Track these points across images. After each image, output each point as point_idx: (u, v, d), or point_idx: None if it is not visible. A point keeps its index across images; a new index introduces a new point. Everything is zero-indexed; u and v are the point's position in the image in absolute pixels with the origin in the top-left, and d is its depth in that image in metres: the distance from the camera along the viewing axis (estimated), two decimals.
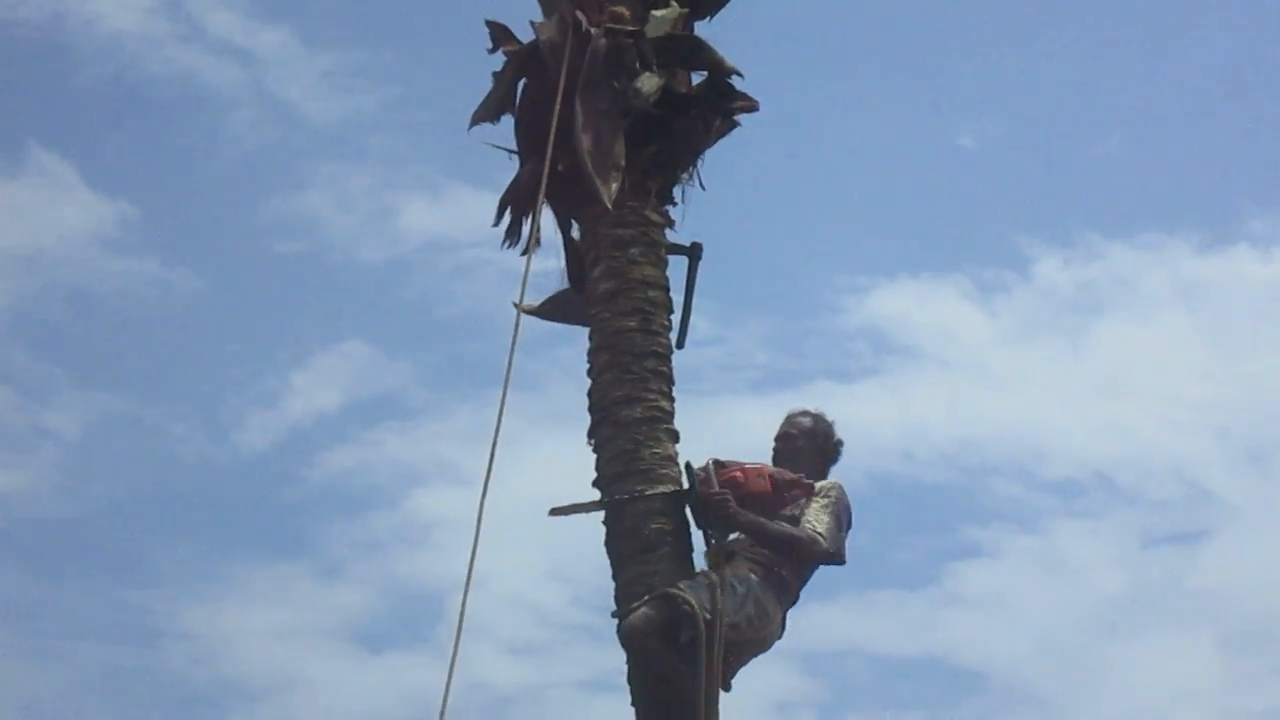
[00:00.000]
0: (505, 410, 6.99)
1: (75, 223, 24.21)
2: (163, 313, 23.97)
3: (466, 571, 6.74)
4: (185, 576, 21.85)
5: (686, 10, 7.91)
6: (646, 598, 6.87)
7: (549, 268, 7.85)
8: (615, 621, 6.97)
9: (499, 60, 8.02)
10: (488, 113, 7.97)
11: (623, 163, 7.53)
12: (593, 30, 7.69)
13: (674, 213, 7.77)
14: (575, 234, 7.85)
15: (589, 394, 7.45)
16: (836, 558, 7.19)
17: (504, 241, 7.88)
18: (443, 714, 6.53)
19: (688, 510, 7.17)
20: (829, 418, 7.66)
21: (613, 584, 7.14)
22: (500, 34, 8.03)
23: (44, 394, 23.11)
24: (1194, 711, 21.02)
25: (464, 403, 23.20)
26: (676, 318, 7.62)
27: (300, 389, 23.85)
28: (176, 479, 22.82)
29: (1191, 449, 23.62)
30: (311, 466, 23.54)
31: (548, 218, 7.78)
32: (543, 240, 7.68)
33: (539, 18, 7.91)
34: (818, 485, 7.32)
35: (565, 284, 7.91)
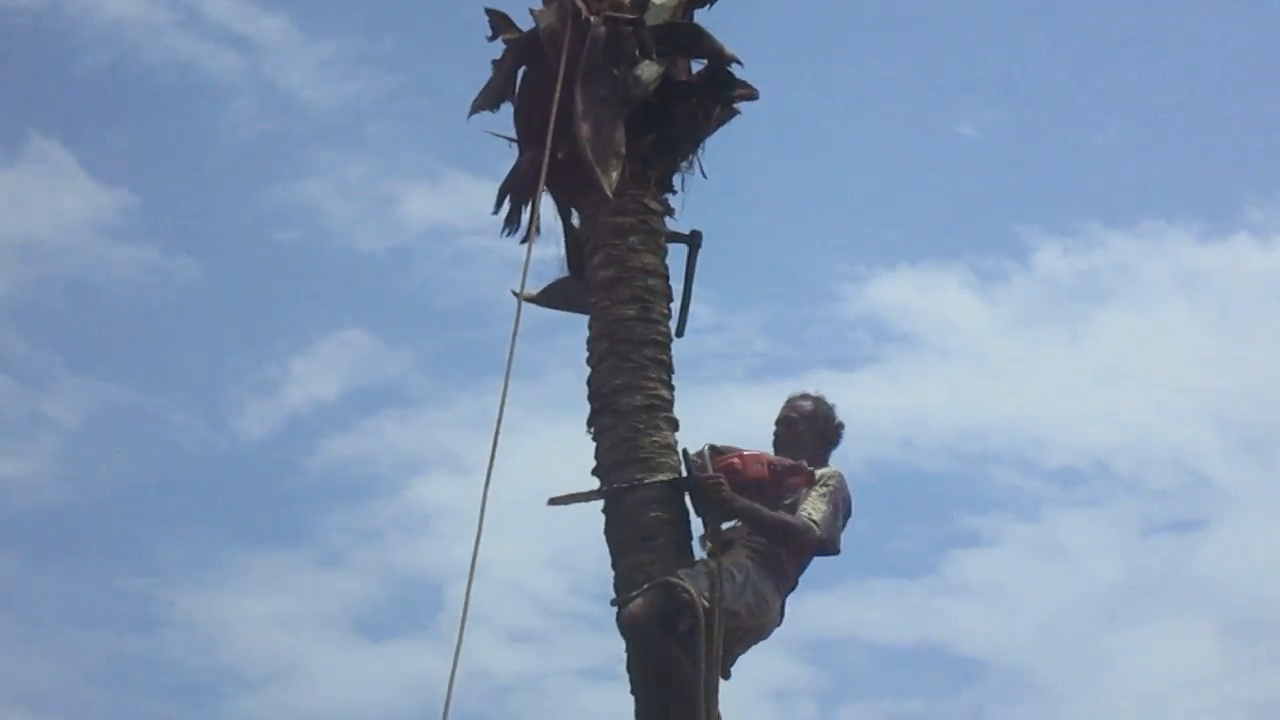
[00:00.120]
0: (507, 399, 6.99)
1: (74, 211, 24.22)
2: (162, 301, 23.98)
3: (469, 560, 6.74)
4: (185, 565, 21.89)
5: None
6: (646, 586, 6.87)
7: (548, 256, 7.86)
8: (615, 609, 6.97)
9: (499, 48, 8.03)
10: (487, 100, 7.97)
11: (622, 151, 7.53)
12: (592, 18, 7.68)
13: (674, 201, 7.78)
14: (575, 222, 7.85)
15: (588, 382, 7.45)
16: (829, 546, 7.17)
17: (503, 229, 7.88)
18: (447, 704, 6.54)
19: (687, 498, 7.18)
20: (830, 401, 7.64)
21: (612, 572, 7.14)
22: (500, 22, 8.02)
23: (44, 382, 23.13)
24: (1193, 699, 21.07)
25: (463, 391, 23.23)
26: (676, 306, 7.62)
27: (300, 377, 23.88)
28: (176, 467, 22.86)
29: (1191, 438, 23.66)
30: (311, 455, 23.57)
31: (547, 205, 7.79)
32: (542, 228, 7.69)
33: (539, 5, 7.90)
34: (819, 473, 7.30)
35: (565, 272, 7.91)
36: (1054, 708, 20.99)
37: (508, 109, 7.97)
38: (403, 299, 24.72)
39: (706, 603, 6.78)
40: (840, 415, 7.62)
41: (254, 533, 22.15)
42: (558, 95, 7.52)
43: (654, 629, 6.80)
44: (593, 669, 18.84)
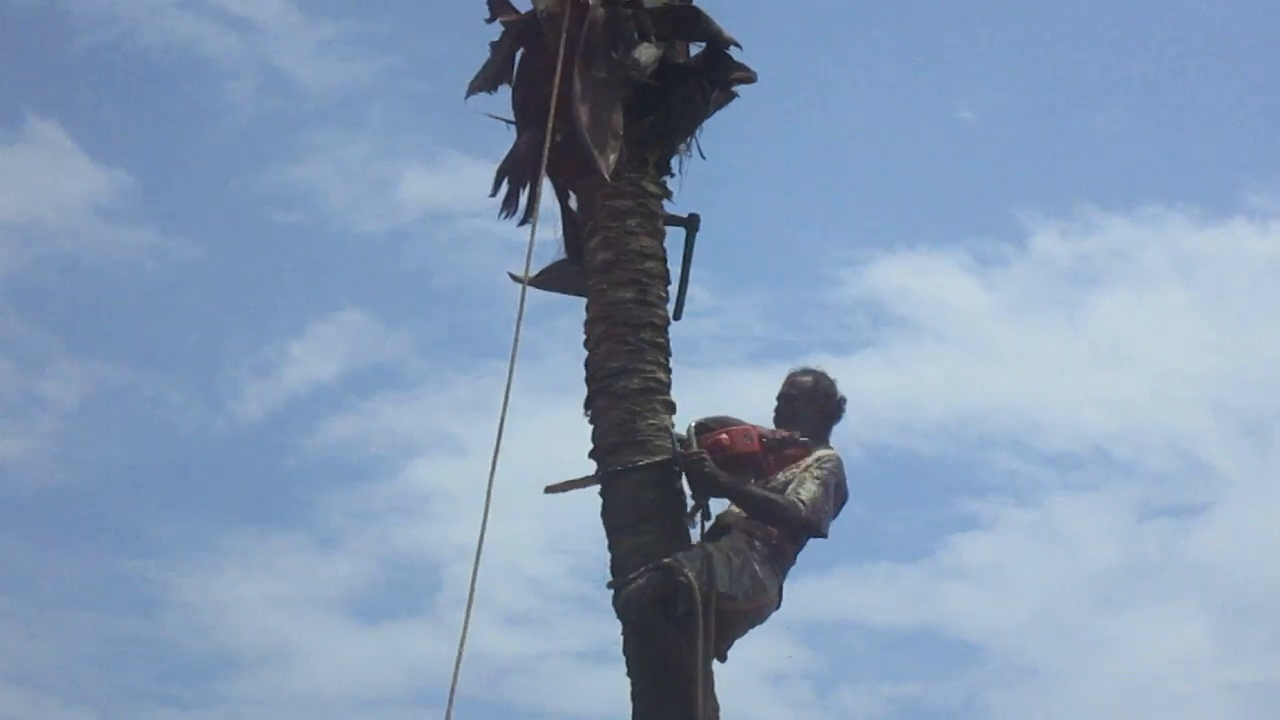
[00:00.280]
0: (499, 380, 7.01)
1: (72, 191, 24.19)
2: (160, 282, 23.97)
3: (467, 542, 6.76)
4: (182, 546, 21.91)
5: None
6: (643, 569, 6.88)
7: (546, 238, 7.85)
8: (612, 592, 6.98)
9: (497, 30, 8.01)
10: (485, 82, 7.96)
11: (621, 133, 7.52)
12: (591, 0, 7.67)
13: (672, 184, 7.77)
14: (573, 204, 7.84)
15: (586, 365, 7.44)
16: (813, 527, 7.11)
17: (501, 212, 7.87)
18: (453, 692, 6.55)
19: (683, 479, 7.18)
20: (831, 376, 7.59)
21: (609, 555, 7.15)
22: (498, 3, 8.01)
23: (41, 363, 23.14)
24: (1187, 683, 21.13)
25: (462, 373, 23.26)
26: (674, 289, 7.62)
27: (298, 359, 23.89)
28: (174, 449, 22.87)
29: (1188, 422, 23.68)
30: (309, 436, 23.59)
31: (545, 188, 7.77)
32: (540, 211, 7.68)
33: None
34: (817, 453, 7.27)
35: (562, 254, 7.90)
36: (1050, 691, 21.07)
37: (505, 91, 7.96)
38: (401, 281, 24.75)
39: (703, 586, 6.78)
40: (841, 390, 7.57)
41: (251, 514, 22.18)
42: (557, 78, 7.51)
43: (651, 612, 6.80)
44: (590, 652, 18.91)
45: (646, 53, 7.63)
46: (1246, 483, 22.99)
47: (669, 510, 7.13)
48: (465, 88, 7.98)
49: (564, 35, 7.59)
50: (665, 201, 7.73)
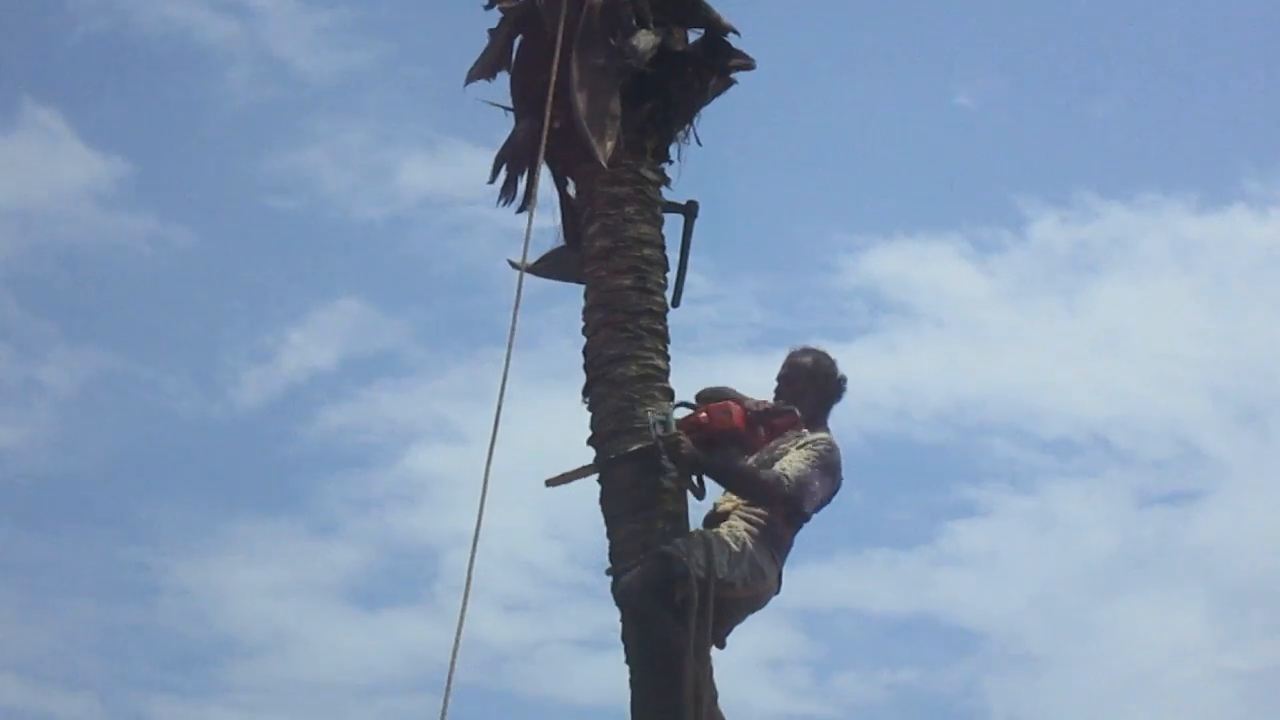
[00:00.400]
0: (496, 366, 6.99)
1: (70, 178, 24.18)
2: (158, 269, 23.96)
3: (465, 529, 6.75)
4: (180, 533, 21.94)
5: None
6: (642, 557, 6.88)
7: (544, 225, 7.85)
8: (610, 579, 6.98)
9: (495, 16, 8.01)
10: (483, 70, 7.96)
11: (619, 120, 7.52)
12: None
13: (670, 171, 7.78)
14: (571, 191, 7.84)
15: (584, 352, 7.44)
16: (796, 502, 7.02)
17: (499, 199, 7.87)
18: (450, 680, 6.55)
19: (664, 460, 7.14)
20: (831, 355, 7.52)
21: (607, 542, 7.15)
22: None
23: (39, 350, 23.14)
24: (1186, 670, 21.16)
25: (460, 360, 23.26)
26: (672, 276, 7.61)
27: (296, 346, 23.89)
28: (172, 436, 22.88)
29: (1187, 409, 23.70)
30: (307, 423, 23.61)
31: (544, 175, 7.76)
32: (539, 197, 7.67)
33: None
34: (811, 436, 7.22)
35: (561, 241, 7.90)
36: (1048, 678, 21.11)
37: (504, 78, 7.96)
38: (399, 268, 24.75)
39: (701, 573, 6.78)
40: (841, 369, 7.50)
41: (250, 501, 22.22)
42: (554, 65, 7.50)
43: (649, 600, 6.80)
44: (588, 639, 18.93)
45: (645, 39, 7.63)
46: (1245, 470, 23.05)
47: (669, 497, 7.13)
48: (464, 75, 7.98)
49: (562, 22, 7.58)
50: (663, 188, 7.72)
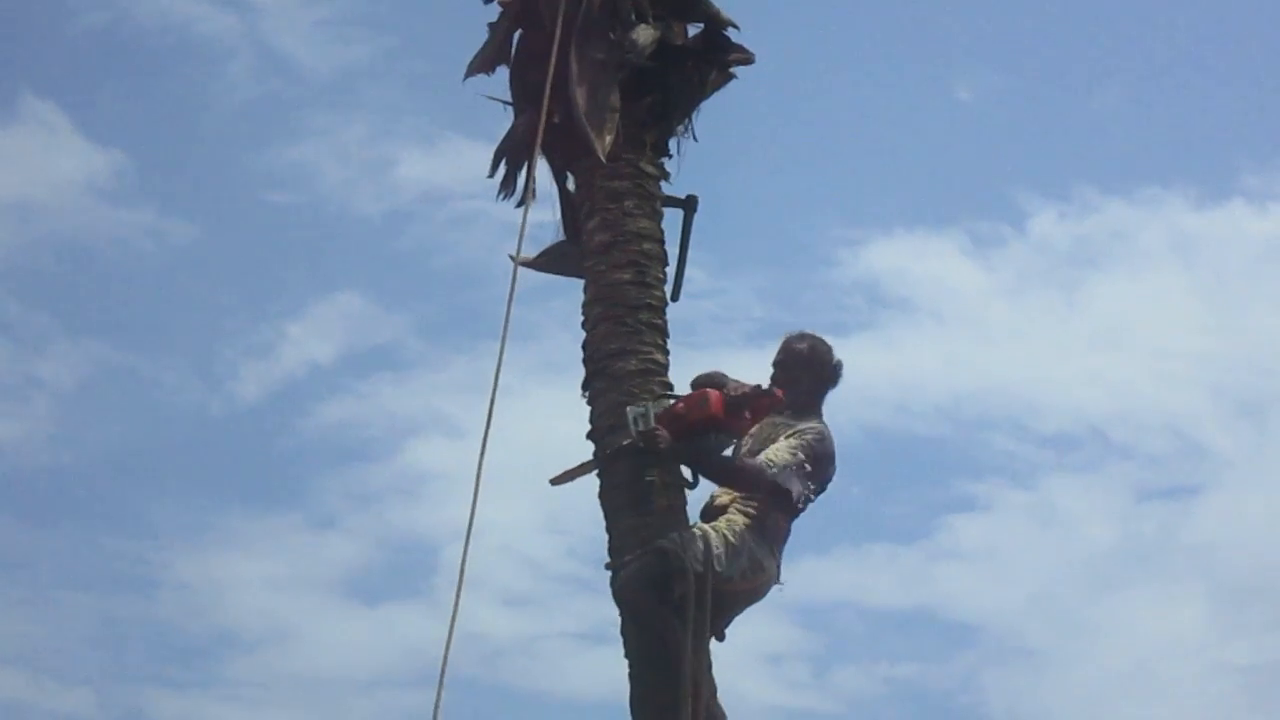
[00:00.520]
0: (502, 365, 6.99)
1: (69, 172, 24.17)
2: (157, 263, 23.95)
3: (464, 524, 6.75)
4: (179, 527, 21.94)
5: None
6: (639, 552, 6.88)
7: (544, 220, 7.86)
8: (609, 574, 6.99)
9: (495, 11, 8.00)
10: (483, 64, 7.96)
11: (618, 115, 7.52)
12: None
13: (669, 165, 7.78)
14: (570, 186, 7.84)
15: (583, 346, 7.44)
16: (780, 490, 6.96)
17: (499, 193, 7.87)
18: (443, 671, 6.55)
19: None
20: (827, 341, 7.45)
21: (607, 536, 7.16)
22: None
23: (37, 344, 23.14)
24: (1185, 665, 21.18)
25: (459, 354, 23.25)
26: (671, 270, 7.62)
27: (295, 340, 23.89)
28: (171, 430, 22.89)
29: (1186, 404, 23.71)
30: (306, 417, 23.60)
31: (543, 169, 7.77)
32: (538, 192, 7.68)
33: None
34: (801, 425, 7.16)
35: (561, 236, 7.90)
36: (1047, 672, 21.12)
37: (503, 72, 7.96)
38: (398, 262, 24.73)
39: (699, 567, 6.78)
40: (838, 354, 7.42)
41: (249, 495, 22.20)
42: (554, 59, 7.50)
43: (647, 596, 6.80)
44: (587, 633, 18.95)
45: (644, 34, 7.63)
46: (1244, 464, 23.05)
47: (668, 491, 7.13)
48: (463, 69, 7.98)
49: (561, 16, 7.58)
50: (663, 183, 7.73)
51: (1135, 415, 23.65)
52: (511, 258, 7.52)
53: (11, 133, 24.37)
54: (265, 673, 20.57)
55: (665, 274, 7.57)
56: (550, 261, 7.89)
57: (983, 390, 24.10)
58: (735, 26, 7.85)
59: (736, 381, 7.22)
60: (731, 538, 6.95)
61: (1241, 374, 23.86)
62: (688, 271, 7.66)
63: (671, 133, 7.78)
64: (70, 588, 21.07)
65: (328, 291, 24.81)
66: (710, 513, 7.16)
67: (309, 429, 23.25)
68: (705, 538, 6.89)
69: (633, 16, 7.68)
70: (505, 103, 7.93)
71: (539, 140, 7.44)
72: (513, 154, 7.84)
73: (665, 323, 7.47)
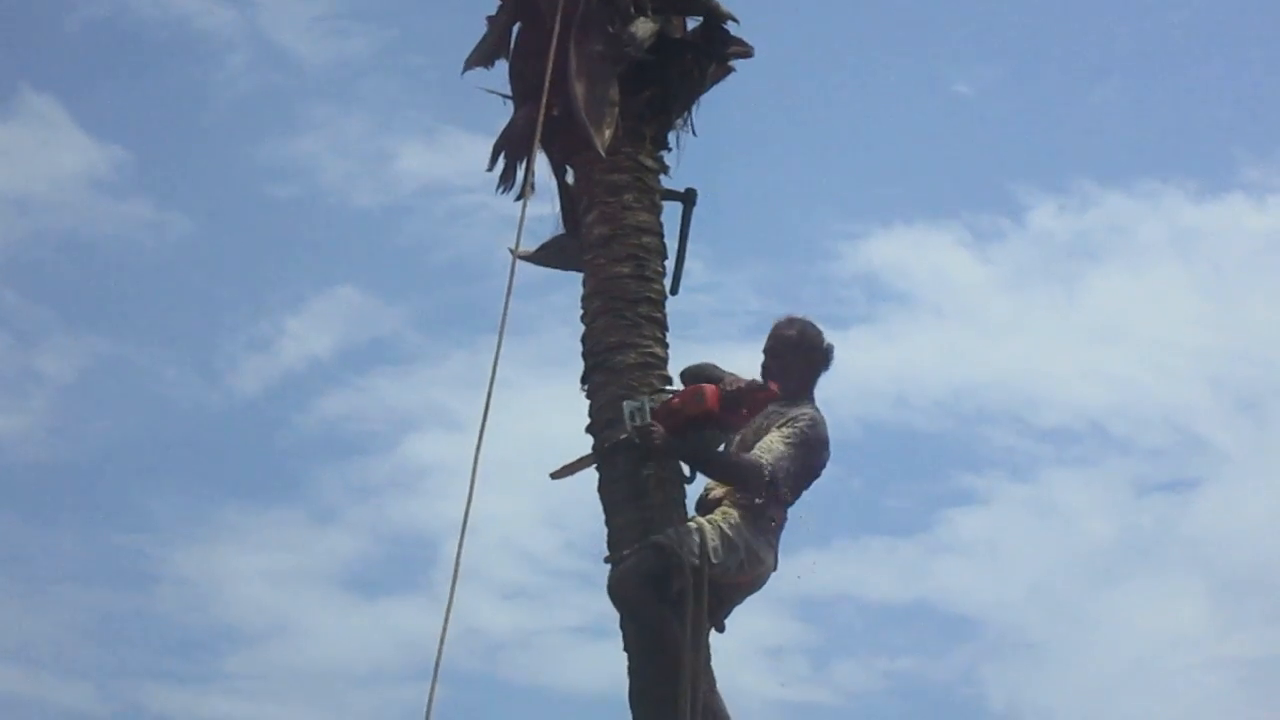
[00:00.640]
0: (500, 356, 6.98)
1: (68, 166, 24.16)
2: (156, 257, 23.95)
3: (462, 519, 6.74)
4: (178, 521, 21.92)
5: None
6: (635, 547, 6.87)
7: (544, 213, 7.85)
8: (608, 567, 6.98)
9: (494, 4, 8.00)
10: (482, 57, 7.95)
11: (617, 108, 7.51)
12: None
13: (668, 158, 7.78)
14: (569, 179, 7.83)
15: (583, 340, 7.44)
16: (775, 488, 6.94)
17: (498, 187, 7.86)
18: (438, 662, 6.55)
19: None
20: (817, 324, 7.41)
21: (606, 530, 7.15)
22: None
23: (36, 337, 23.14)
24: (1184, 658, 21.16)
25: (458, 348, 23.22)
26: (670, 264, 7.61)
27: (294, 334, 23.87)
28: (170, 423, 22.87)
29: (1185, 397, 23.69)
30: (305, 411, 23.60)
31: (542, 163, 7.77)
32: (537, 186, 7.67)
33: None
34: (792, 413, 7.13)
35: (560, 229, 7.90)
36: (1046, 665, 21.11)
37: (502, 65, 7.95)
38: (397, 256, 24.74)
39: (696, 561, 6.78)
40: (828, 337, 7.39)
41: (248, 489, 22.20)
42: (552, 52, 7.49)
43: (642, 592, 6.78)
44: (587, 626, 18.91)
45: (643, 27, 7.62)
46: (1243, 457, 23.05)
47: (667, 485, 7.13)
48: (462, 62, 7.98)
49: (560, 9, 7.57)
50: (662, 176, 7.72)
51: (1134, 409, 23.67)
52: (511, 251, 7.51)
53: (10, 127, 24.39)
54: (264, 666, 20.58)
55: (664, 267, 7.56)
56: (549, 255, 7.88)
57: (982, 384, 24.12)
58: (734, 20, 7.85)
59: (731, 374, 7.22)
60: (728, 530, 6.94)
61: (1241, 367, 23.88)
62: (687, 264, 7.66)
63: (670, 126, 7.78)
64: (69, 582, 21.08)
65: (327, 285, 24.82)
66: (705, 505, 7.15)
67: (308, 423, 23.27)
68: (701, 531, 6.87)
69: (631, 10, 7.68)
70: (504, 96, 7.92)
71: (538, 134, 7.44)
72: (512, 147, 7.83)
73: (665, 316, 7.46)
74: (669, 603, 6.77)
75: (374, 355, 23.88)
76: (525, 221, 7.48)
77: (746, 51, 7.92)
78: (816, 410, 7.23)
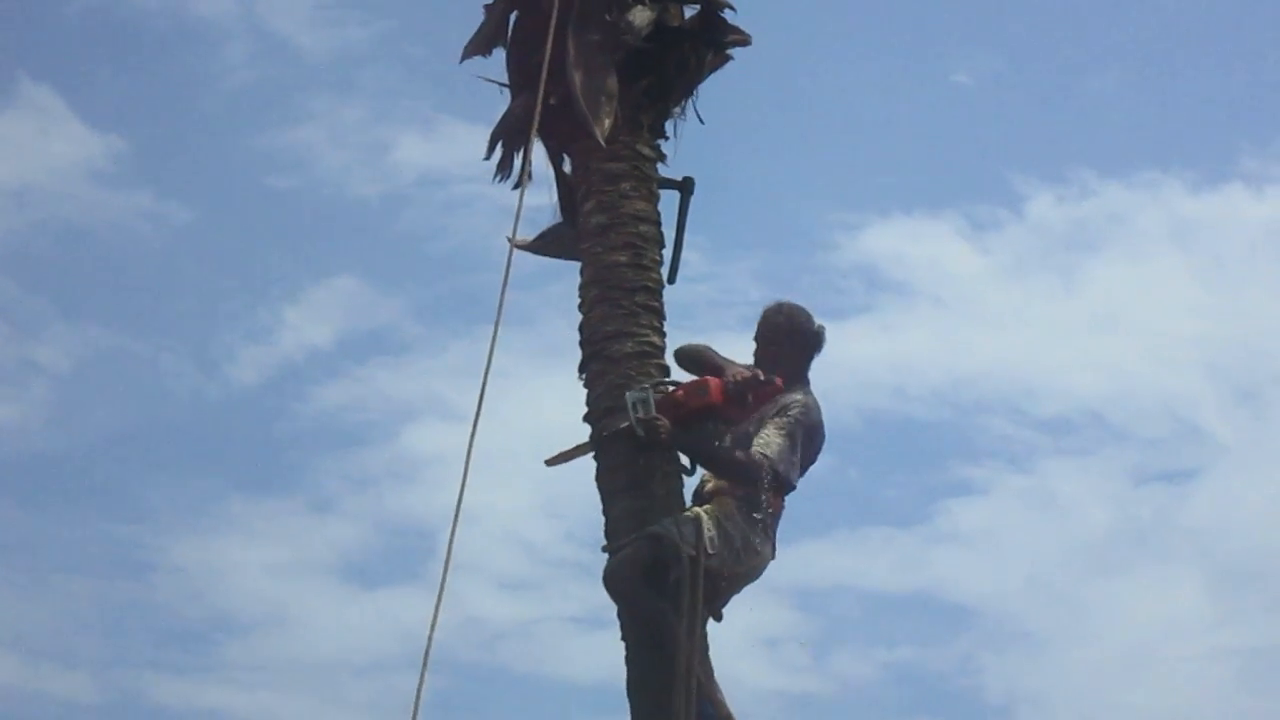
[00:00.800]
0: (497, 345, 6.96)
1: (66, 156, 24.13)
2: (154, 247, 23.92)
3: (466, 509, 6.73)
4: (176, 511, 21.92)
5: None
6: (632, 537, 6.86)
7: (541, 202, 7.84)
8: (606, 557, 6.98)
9: None
10: (479, 46, 7.94)
11: (615, 97, 7.50)
12: None
13: (666, 147, 7.76)
14: (567, 168, 7.82)
15: (580, 329, 7.43)
16: (781, 481, 6.97)
17: (496, 175, 7.85)
18: (428, 651, 6.54)
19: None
20: (806, 309, 7.40)
21: (604, 519, 7.14)
22: None
23: (34, 327, 23.12)
24: (1182, 648, 21.18)
25: (456, 338, 23.20)
26: (668, 253, 7.60)
27: (292, 324, 23.86)
28: (168, 413, 22.86)
29: (1183, 387, 23.70)
30: (303, 401, 23.58)
31: (539, 152, 7.75)
32: (535, 174, 7.67)
33: None
34: (784, 400, 7.12)
35: (558, 218, 7.89)
36: (1044, 655, 21.13)
37: (500, 54, 7.93)
38: (396, 245, 24.70)
39: (692, 551, 6.77)
40: (818, 319, 7.37)
41: (246, 479, 22.17)
42: (550, 41, 7.47)
43: (638, 582, 6.78)
44: (585, 616, 18.90)
45: (640, 15, 7.61)
46: (1241, 447, 23.06)
47: (664, 475, 7.12)
48: (460, 52, 7.96)
49: None
50: (660, 165, 7.71)
51: (1132, 399, 23.68)
52: (509, 240, 7.50)
53: (8, 117, 24.36)
54: (262, 657, 20.59)
55: (662, 256, 7.56)
56: (547, 244, 7.88)
57: (980, 374, 24.11)
58: (731, 8, 7.84)
59: (727, 359, 7.23)
60: (725, 521, 6.93)
61: (1239, 357, 23.90)
62: (684, 254, 7.65)
63: (668, 115, 7.77)
64: (68, 572, 21.08)
65: (325, 275, 24.81)
66: (702, 496, 7.15)
67: (306, 413, 23.26)
68: (698, 521, 6.87)
69: None
70: (502, 85, 7.91)
71: (535, 122, 7.42)
72: (509, 136, 7.82)
73: (662, 305, 7.45)
74: (665, 593, 6.77)
75: (372, 345, 23.89)
76: (523, 211, 7.48)
77: (744, 40, 7.90)
78: (808, 395, 7.22)
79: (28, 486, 21.61)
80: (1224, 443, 23.34)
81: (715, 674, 6.97)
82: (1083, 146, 25.46)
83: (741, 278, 23.37)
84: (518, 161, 7.77)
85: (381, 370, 24.01)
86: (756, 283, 23.23)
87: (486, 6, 7.99)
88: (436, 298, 24.41)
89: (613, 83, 7.52)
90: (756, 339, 7.39)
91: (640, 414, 6.97)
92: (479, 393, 6.86)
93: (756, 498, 7.00)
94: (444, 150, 23.67)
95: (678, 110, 7.78)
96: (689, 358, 7.25)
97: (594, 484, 7.23)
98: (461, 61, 7.93)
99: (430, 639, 6.39)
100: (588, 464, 7.26)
